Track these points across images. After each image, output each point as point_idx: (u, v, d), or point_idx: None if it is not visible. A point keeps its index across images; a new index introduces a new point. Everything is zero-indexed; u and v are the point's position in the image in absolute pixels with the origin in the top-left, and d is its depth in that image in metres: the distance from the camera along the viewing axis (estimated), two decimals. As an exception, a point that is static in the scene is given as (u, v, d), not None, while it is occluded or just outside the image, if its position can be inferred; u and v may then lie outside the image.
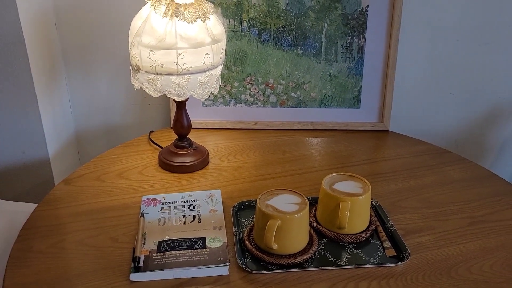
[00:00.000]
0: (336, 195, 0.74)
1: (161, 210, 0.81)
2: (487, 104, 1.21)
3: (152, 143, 1.07)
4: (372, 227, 0.78)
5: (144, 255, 0.70)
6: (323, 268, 0.70)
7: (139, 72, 0.85)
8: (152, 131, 1.13)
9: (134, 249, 0.71)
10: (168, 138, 1.06)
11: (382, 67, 1.11)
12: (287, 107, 1.14)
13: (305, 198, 0.73)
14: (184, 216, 0.80)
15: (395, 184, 0.93)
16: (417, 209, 0.85)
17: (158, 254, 0.71)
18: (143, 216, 0.79)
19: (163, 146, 1.03)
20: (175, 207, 0.82)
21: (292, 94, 1.13)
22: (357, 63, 1.11)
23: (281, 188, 0.76)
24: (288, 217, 0.69)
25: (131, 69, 0.89)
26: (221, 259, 0.70)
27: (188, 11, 0.81)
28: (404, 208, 0.85)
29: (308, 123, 1.14)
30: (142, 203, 0.84)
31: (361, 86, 1.12)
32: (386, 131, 1.14)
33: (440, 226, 0.80)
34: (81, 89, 1.17)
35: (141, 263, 0.69)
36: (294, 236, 0.71)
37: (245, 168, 0.98)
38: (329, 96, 1.13)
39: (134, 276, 0.67)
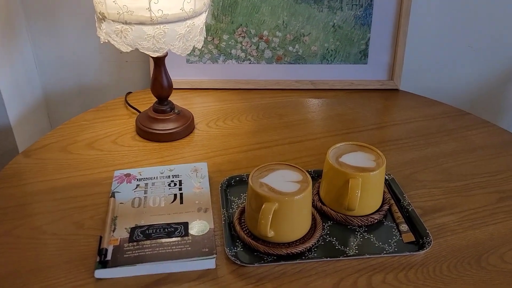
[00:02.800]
0: (344, 170, 0.62)
1: (136, 188, 0.69)
2: (509, 57, 1.07)
3: (129, 107, 0.93)
4: (386, 207, 0.66)
5: (113, 246, 0.58)
6: (328, 259, 0.58)
7: (104, 21, 0.70)
8: (129, 93, 0.98)
9: (101, 238, 0.59)
10: (149, 100, 0.92)
11: (394, 16, 0.96)
12: (284, 63, 0.99)
13: (307, 175, 0.60)
14: (163, 196, 0.67)
15: (409, 153, 0.80)
16: (437, 182, 0.73)
17: (130, 244, 0.59)
18: (114, 196, 0.67)
19: (141, 111, 0.89)
20: (153, 184, 0.70)
21: (290, 48, 0.98)
22: (364, 11, 0.95)
23: (278, 163, 0.63)
24: (287, 199, 0.57)
25: (95, 18, 0.73)
26: (207, 249, 0.58)
27: None
28: (422, 182, 0.73)
29: (308, 82, 1.00)
30: (113, 179, 0.71)
31: (369, 39, 0.97)
32: (396, 90, 1.00)
33: (464, 203, 0.68)
34: (47, 43, 1.02)
35: (109, 256, 0.57)
36: (294, 221, 0.59)
37: (236, 136, 0.85)
38: (332, 51, 0.98)
39: (100, 273, 0.55)
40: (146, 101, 0.95)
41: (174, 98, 0.91)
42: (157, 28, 0.68)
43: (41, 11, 0.98)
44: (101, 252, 0.57)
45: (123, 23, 0.68)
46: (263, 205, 0.56)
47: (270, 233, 0.57)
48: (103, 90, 1.07)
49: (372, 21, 0.96)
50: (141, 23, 0.68)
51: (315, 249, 0.60)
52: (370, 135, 0.86)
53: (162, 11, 0.67)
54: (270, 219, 0.55)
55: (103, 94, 1.07)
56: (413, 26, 0.97)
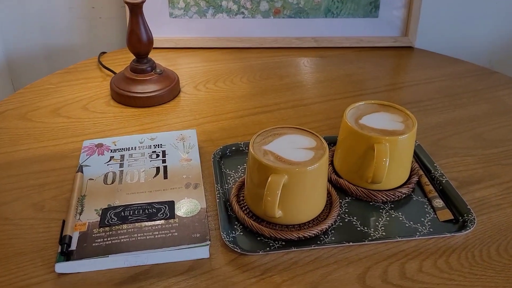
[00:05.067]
0: (367, 134, 0.50)
1: (110, 160, 0.56)
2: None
3: (102, 68, 0.79)
4: (415, 179, 0.54)
5: (79, 233, 0.46)
6: (350, 243, 0.47)
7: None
8: (103, 53, 0.84)
9: (63, 222, 0.47)
10: (127, 61, 0.78)
11: (410, -40, 0.83)
12: (283, 17, 0.86)
13: (323, 140, 0.48)
14: (143, 170, 0.55)
15: (435, 116, 0.68)
16: (470, 149, 0.61)
17: (101, 229, 0.46)
18: (82, 171, 0.54)
19: (117, 72, 0.76)
20: (130, 156, 0.57)
21: (290, -1, 0.85)
22: (376, -45, 0.82)
23: (284, 126, 0.51)
24: (298, 170, 0.45)
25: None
26: (198, 235, 0.46)
27: None
28: (453, 149, 0.61)
29: (310, 39, 0.87)
30: (82, 150, 0.58)
31: (381, -13, 0.84)
32: (411, 47, 0.88)
33: (505, 173, 0.57)
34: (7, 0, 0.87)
35: (74, 246, 0.44)
36: (307, 198, 0.47)
37: (230, 99, 0.72)
38: (338, 2, 0.85)
39: (62, 267, 0.43)
40: (123, 61, 0.82)
41: (155, 59, 0.77)
42: (130, -40, 0.55)
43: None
44: (64, 240, 0.44)
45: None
46: (269, 178, 0.44)
47: (278, 213, 0.46)
48: (74, 51, 0.93)
49: (385, -34, 0.83)
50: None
51: (332, 231, 0.49)
52: (386, 97, 0.74)
53: None
54: (279, 195, 0.44)
55: (73, 55, 0.93)
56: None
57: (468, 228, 0.48)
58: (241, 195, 0.52)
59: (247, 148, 0.59)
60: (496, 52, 1.00)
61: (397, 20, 0.87)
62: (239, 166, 0.57)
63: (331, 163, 0.56)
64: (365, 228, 0.49)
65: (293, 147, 0.48)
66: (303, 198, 0.46)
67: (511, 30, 0.97)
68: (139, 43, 0.68)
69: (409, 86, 0.77)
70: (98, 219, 0.48)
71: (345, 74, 0.80)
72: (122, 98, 0.70)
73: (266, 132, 0.50)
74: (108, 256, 0.44)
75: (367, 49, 0.88)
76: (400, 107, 0.54)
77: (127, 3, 0.64)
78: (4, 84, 0.94)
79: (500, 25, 0.96)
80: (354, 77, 0.79)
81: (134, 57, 0.71)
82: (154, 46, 0.71)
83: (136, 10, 0.66)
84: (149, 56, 0.71)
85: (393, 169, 0.51)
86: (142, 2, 0.65)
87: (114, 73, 0.76)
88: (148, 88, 0.69)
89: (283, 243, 0.47)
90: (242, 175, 0.56)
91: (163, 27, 0.85)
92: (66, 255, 0.44)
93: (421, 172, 0.56)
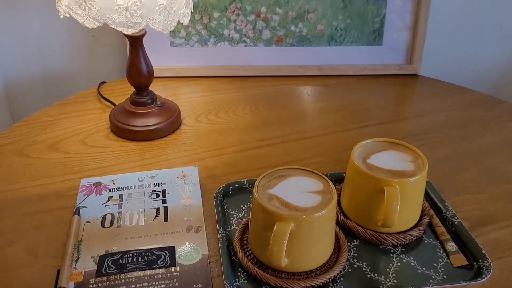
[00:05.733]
0: (376, 175, 0.48)
1: (108, 201, 0.54)
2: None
3: (102, 99, 0.78)
4: (426, 220, 0.52)
5: (75, 283, 0.44)
6: (361, 293, 0.44)
7: (62, -11, 0.55)
8: (103, 82, 0.83)
9: (58, 271, 0.45)
10: (127, 91, 0.77)
11: (414, -12, 0.82)
12: (286, 45, 0.85)
13: (330, 183, 0.46)
14: (142, 211, 0.52)
15: (442, 149, 0.66)
16: (481, 185, 0.59)
17: (98, 279, 0.44)
18: (79, 213, 0.52)
19: (116, 103, 0.74)
20: (129, 195, 0.55)
21: (292, 27, 0.84)
22: (380, -17, 0.81)
23: (289, 167, 0.49)
24: (305, 218, 0.42)
25: (52, -14, 0.58)
26: (200, 285, 0.44)
27: None
28: (463, 185, 0.59)
29: (313, 67, 0.86)
30: (79, 190, 0.56)
31: (384, 15, 0.83)
32: (416, 75, 0.87)
33: (520, 212, 0.55)
34: (6, 25, 0.85)
35: (69, 299, 0.42)
36: (315, 245, 0.45)
37: (232, 131, 0.71)
38: (341, 30, 0.84)
39: (56, 324, 0.41)
40: (123, 91, 0.80)
41: (156, 88, 0.76)
42: (130, -4, 0.53)
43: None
44: (58, 293, 0.42)
45: (86, -10, 0.53)
46: (275, 226, 0.42)
47: (284, 262, 0.43)
48: (73, 80, 0.92)
49: (388, -6, 0.82)
50: (110, -10, 0.53)
51: (341, 278, 0.46)
52: (392, 128, 0.72)
53: (136, -27, 0.52)
54: (285, 244, 0.41)
55: (73, 83, 0.91)
56: (435, 2, 0.83)
57: (484, 275, 0.46)
58: (245, 238, 0.50)
59: (250, 186, 0.57)
60: (503, 77, 0.99)
61: (401, 48, 0.86)
62: (242, 206, 0.55)
63: (338, 202, 0.54)
64: (376, 275, 0.47)
65: (299, 190, 0.46)
66: (310, 245, 0.44)
67: (516, 56, 0.96)
68: (139, 76, 0.66)
69: (415, 116, 0.75)
70: (95, 267, 0.45)
71: (350, 104, 0.79)
72: (121, 131, 0.68)
73: (271, 174, 0.48)
74: (105, 310, 0.42)
75: (371, 77, 0.86)
76: (409, 145, 0.52)
77: (127, 36, 0.63)
78: (2, 112, 0.93)
79: (505, 49, 0.95)
80: (359, 107, 0.78)
81: (134, 89, 0.70)
82: (155, 75, 0.69)
83: (136, 43, 0.64)
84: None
85: (403, 211, 0.48)
86: (143, 35, 0.64)
87: (114, 104, 0.74)
88: (149, 122, 0.68)
89: (290, 293, 0.44)
90: (245, 215, 0.54)
91: (164, 56, 0.84)
92: (61, 309, 0.41)
93: (432, 212, 0.54)
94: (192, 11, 0.65)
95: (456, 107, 0.77)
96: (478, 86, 0.95)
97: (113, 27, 0.56)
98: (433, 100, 0.80)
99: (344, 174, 0.54)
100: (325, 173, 0.59)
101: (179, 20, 0.61)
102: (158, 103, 0.70)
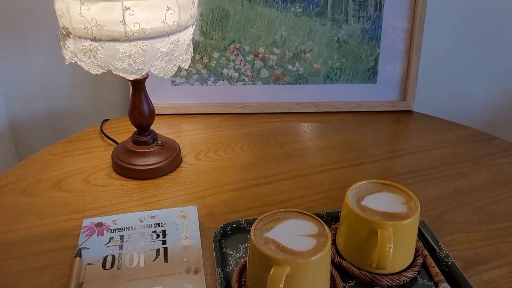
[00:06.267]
0: (370, 218, 0.49)
1: (109, 242, 0.55)
2: (533, 74, 0.97)
3: (105, 137, 0.80)
4: (420, 260, 0.53)
5: (76, 327, 0.45)
6: (356, 335, 0.45)
7: (69, 37, 0.58)
8: (106, 120, 0.85)
9: (61, 315, 0.46)
10: (129, 129, 0.79)
11: (406, 29, 0.85)
12: (283, 84, 0.88)
13: (325, 226, 0.48)
14: (143, 252, 0.54)
15: (436, 187, 0.68)
16: (474, 224, 0.61)
17: (98, 322, 0.45)
18: (80, 255, 0.53)
19: (119, 142, 0.76)
20: (130, 236, 0.56)
21: (289, 66, 0.86)
22: (373, 24, 0.85)
23: (286, 210, 0.50)
24: (301, 262, 0.44)
25: (60, 34, 0.61)
26: (198, 328, 0.45)
27: None
28: (456, 224, 0.61)
29: (310, 105, 0.88)
30: (81, 231, 0.57)
31: (378, 55, 0.86)
32: (410, 111, 0.89)
33: None
34: (12, 64, 0.89)
35: None
36: (310, 287, 0.46)
37: (230, 169, 0.72)
38: (337, 69, 0.87)
39: None
40: (126, 129, 0.82)
41: (157, 126, 0.79)
42: (133, 45, 0.56)
43: (4, 29, 0.85)
44: (59, 337, 0.43)
45: (91, 40, 0.56)
46: (271, 270, 0.43)
47: (281, 305, 0.44)
48: (77, 116, 0.94)
49: (382, 35, 0.85)
50: (114, 40, 0.56)
51: (337, 321, 0.47)
52: (386, 166, 0.74)
53: (139, 24, 0.55)
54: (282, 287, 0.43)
55: (76, 120, 0.94)
56: (427, 40, 0.87)
57: (476, 317, 0.47)
58: (243, 279, 0.51)
59: (248, 225, 0.59)
60: (495, 112, 1.01)
61: (395, 85, 0.89)
62: (240, 245, 0.57)
63: (334, 242, 0.56)
64: (371, 316, 0.48)
65: (295, 234, 0.47)
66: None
67: (506, 89, 0.99)
68: (141, 117, 0.69)
69: (409, 153, 0.77)
70: (96, 310, 0.46)
71: (345, 141, 0.81)
72: (123, 170, 0.70)
73: (268, 217, 0.49)
74: None
75: (366, 113, 0.89)
76: (402, 187, 0.54)
77: (129, 80, 0.66)
78: (7, 148, 0.95)
79: (497, 85, 0.98)
80: (354, 144, 0.80)
81: (136, 129, 0.72)
82: (156, 112, 0.72)
83: (138, 86, 0.67)
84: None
85: (397, 253, 0.50)
86: (145, 79, 0.66)
87: (117, 143, 0.76)
88: (150, 161, 0.70)
89: (286, 335, 0.45)
90: (243, 255, 0.55)
91: (165, 94, 0.86)
92: None
93: (426, 252, 0.55)
94: (193, 55, 0.68)
95: (450, 144, 0.79)
96: (471, 121, 0.98)
97: (116, 73, 0.59)
98: (427, 136, 0.82)
99: (339, 213, 0.55)
100: (321, 212, 0.60)
101: (179, 65, 0.63)
102: (159, 142, 0.72)
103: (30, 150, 0.95)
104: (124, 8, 0.53)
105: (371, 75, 0.88)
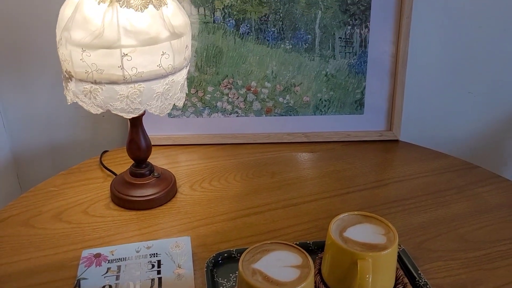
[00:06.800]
0: (350, 249, 0.53)
1: (107, 272, 0.59)
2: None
3: (104, 169, 0.84)
4: (400, 288, 0.56)
5: None
6: None
7: (71, 80, 0.62)
8: (105, 151, 0.89)
9: None
10: (128, 160, 0.82)
11: (390, 63, 0.90)
12: (275, 115, 0.92)
13: (308, 258, 0.51)
14: (138, 282, 0.57)
15: (418, 216, 0.72)
16: (453, 252, 0.64)
17: None
18: (80, 286, 0.56)
19: (118, 173, 0.80)
20: (126, 266, 0.60)
21: (280, 99, 0.91)
22: (359, 59, 0.89)
23: (273, 242, 0.54)
24: (285, 292, 0.47)
25: (62, 77, 0.65)
26: None
27: (135, -6, 0.58)
28: (436, 252, 0.64)
29: (301, 135, 0.92)
30: (81, 261, 0.61)
31: (364, 87, 0.91)
32: (396, 141, 0.93)
33: (488, 279, 0.59)
34: (16, 100, 0.93)
35: None
36: (295, 316, 0.49)
37: (223, 200, 0.76)
38: (325, 101, 0.91)
39: None
40: (124, 160, 0.86)
41: (154, 156, 0.82)
42: (131, 87, 0.61)
43: (9, 68, 0.90)
44: None
45: (92, 83, 0.60)
46: (257, 301, 0.46)
47: (266, 333, 0.47)
48: (77, 147, 0.98)
49: (367, 69, 0.90)
50: (113, 83, 0.60)
51: None
52: (372, 195, 0.77)
53: (136, 68, 0.59)
54: (266, 318, 0.46)
55: (77, 151, 0.98)
56: (411, 73, 0.91)
57: None
58: (232, 308, 0.54)
59: (238, 255, 0.62)
60: (477, 141, 1.05)
61: (382, 116, 0.93)
62: (231, 275, 0.60)
63: (319, 270, 0.59)
64: None
65: (281, 265, 0.50)
66: (290, 316, 0.48)
67: (487, 119, 1.03)
68: (138, 151, 0.72)
69: (394, 182, 0.81)
70: (94, 339, 0.49)
71: (334, 170, 0.84)
72: (121, 201, 0.73)
73: (255, 249, 0.53)
74: None
75: (354, 143, 0.93)
76: (382, 218, 0.57)
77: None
78: (10, 179, 0.99)
79: (477, 116, 1.02)
80: (343, 173, 0.84)
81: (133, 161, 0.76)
82: (153, 143, 0.76)
83: (136, 122, 0.71)
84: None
85: (377, 281, 0.53)
86: (142, 115, 0.71)
87: (115, 174, 0.80)
88: (147, 192, 0.73)
89: None
90: (234, 284, 0.58)
91: (162, 126, 0.91)
92: None
93: (406, 280, 0.58)
94: (187, 92, 0.72)
95: (432, 173, 0.83)
96: (455, 149, 1.02)
97: (115, 112, 0.63)
98: (411, 166, 0.85)
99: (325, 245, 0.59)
100: (308, 242, 0.64)
101: (174, 103, 0.67)
102: (156, 174, 0.75)
103: (32, 180, 0.98)
104: (122, 54, 0.58)
105: (358, 106, 0.92)
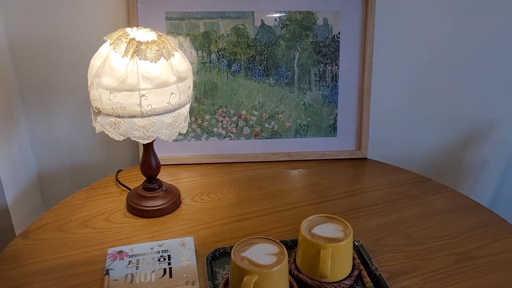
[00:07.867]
0: (316, 241, 0.70)
1: (128, 264, 0.75)
2: (464, 126, 1.20)
3: (119, 185, 1.00)
4: (356, 272, 0.73)
5: (109, 322, 0.64)
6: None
7: (100, 114, 0.79)
8: (120, 170, 1.06)
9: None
10: (138, 177, 1.00)
11: (357, 94, 1.08)
12: (262, 138, 1.09)
13: (283, 248, 0.68)
14: (153, 271, 0.73)
15: (377, 219, 0.88)
16: (401, 246, 0.81)
17: (124, 319, 0.64)
18: (108, 274, 0.73)
19: (131, 188, 0.97)
20: (143, 260, 0.76)
21: (266, 125, 1.09)
22: (331, 91, 1.07)
23: (257, 237, 0.70)
24: (265, 272, 0.64)
25: (91, 111, 0.83)
26: (195, 321, 0.64)
27: (151, 49, 0.75)
28: (388, 247, 0.81)
29: (284, 154, 1.10)
30: (107, 257, 0.77)
31: (336, 114, 1.09)
32: (365, 159, 1.11)
33: (426, 266, 0.76)
34: (42, 128, 1.10)
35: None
36: (273, 291, 0.65)
37: (219, 209, 0.92)
38: (304, 126, 1.09)
39: None
40: (136, 177, 1.03)
41: (161, 174, 0.98)
42: (146, 119, 0.78)
43: (38, 100, 1.07)
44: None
45: (116, 117, 0.78)
46: (244, 278, 0.63)
47: (251, 304, 0.64)
48: (94, 168, 1.15)
49: (339, 99, 1.08)
50: (133, 116, 0.77)
51: (293, 315, 0.66)
52: (342, 203, 0.94)
53: (151, 105, 0.77)
54: (251, 290, 0.62)
55: (94, 171, 1.15)
56: (376, 101, 1.09)
57: (391, 310, 0.66)
58: (227, 289, 0.70)
59: (231, 250, 0.78)
60: (437, 158, 1.23)
61: (352, 137, 1.10)
62: (226, 265, 0.76)
63: (294, 260, 0.75)
64: (317, 312, 0.67)
65: (263, 253, 0.67)
66: (270, 291, 0.65)
67: (446, 142, 1.21)
68: (150, 170, 0.89)
69: (361, 193, 0.98)
70: (122, 311, 0.65)
71: (312, 184, 1.01)
72: (136, 211, 0.90)
73: (244, 242, 0.69)
74: None
75: (329, 161, 1.10)
76: (342, 219, 0.74)
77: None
78: (35, 196, 1.15)
79: (436, 137, 1.20)
80: (318, 186, 1.00)
81: (146, 178, 0.92)
82: (160, 163, 0.92)
83: (148, 146, 0.88)
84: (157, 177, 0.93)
85: (337, 266, 0.70)
86: (153, 141, 0.88)
87: (129, 189, 0.97)
88: (156, 203, 0.90)
89: (257, 325, 0.64)
90: (227, 272, 0.74)
91: (167, 149, 1.07)
92: None
93: (361, 266, 0.75)
94: (189, 121, 0.90)
95: (393, 185, 1.00)
96: (420, 164, 1.20)
97: (134, 139, 0.80)
98: (376, 179, 1.03)
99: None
100: (287, 240, 0.80)
101: (179, 131, 0.85)
102: (164, 188, 0.92)
103: (54, 196, 1.15)
104: (141, 95, 0.76)
105: (332, 130, 1.10)
